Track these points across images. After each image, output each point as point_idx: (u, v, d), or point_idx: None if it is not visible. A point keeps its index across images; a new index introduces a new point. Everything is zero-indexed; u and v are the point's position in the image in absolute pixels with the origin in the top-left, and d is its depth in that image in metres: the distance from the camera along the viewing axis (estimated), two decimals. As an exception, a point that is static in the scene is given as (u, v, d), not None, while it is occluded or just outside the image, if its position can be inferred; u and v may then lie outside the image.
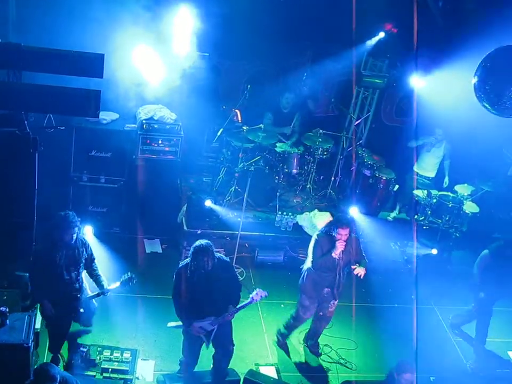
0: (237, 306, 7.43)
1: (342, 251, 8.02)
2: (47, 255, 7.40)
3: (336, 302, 8.52)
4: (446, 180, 12.29)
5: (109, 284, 7.80)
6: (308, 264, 8.34)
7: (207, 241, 7.22)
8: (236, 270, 7.86)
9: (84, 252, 7.65)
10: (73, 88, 7.03)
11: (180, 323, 7.61)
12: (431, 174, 12.33)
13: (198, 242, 7.17)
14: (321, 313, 8.61)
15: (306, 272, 8.41)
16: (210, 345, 7.68)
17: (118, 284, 7.73)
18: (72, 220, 7.33)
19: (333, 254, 7.99)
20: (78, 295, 7.71)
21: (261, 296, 7.50)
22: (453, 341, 9.76)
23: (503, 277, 9.01)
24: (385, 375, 7.44)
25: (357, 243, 8.38)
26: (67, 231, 7.33)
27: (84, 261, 7.66)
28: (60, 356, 8.03)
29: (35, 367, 6.62)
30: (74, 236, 7.41)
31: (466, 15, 10.77)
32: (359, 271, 8.24)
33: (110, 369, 7.78)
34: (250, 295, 7.50)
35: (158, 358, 8.39)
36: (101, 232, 9.40)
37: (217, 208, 10.30)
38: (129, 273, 7.74)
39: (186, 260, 7.38)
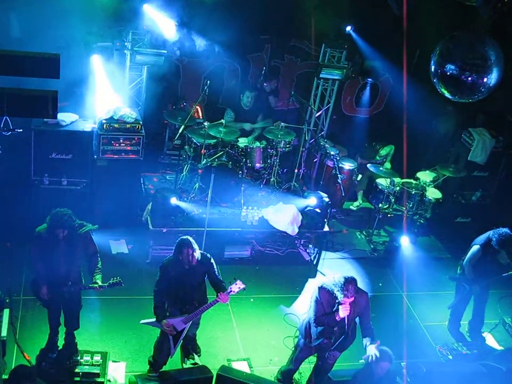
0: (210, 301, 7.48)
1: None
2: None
3: (336, 355, 7.74)
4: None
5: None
6: (309, 314, 7.54)
7: (188, 237, 7.42)
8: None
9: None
10: (29, 89, 6.86)
11: (152, 320, 7.57)
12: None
13: (180, 238, 7.40)
14: (319, 363, 7.93)
15: (307, 322, 7.62)
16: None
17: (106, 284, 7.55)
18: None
19: (337, 318, 7.18)
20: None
21: (239, 288, 7.41)
22: (422, 326, 9.88)
23: (492, 267, 9.24)
24: (360, 363, 7.52)
25: (366, 300, 7.43)
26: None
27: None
28: (28, 362, 7.90)
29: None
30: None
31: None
32: (371, 352, 7.11)
33: (80, 374, 7.70)
34: (229, 286, 7.43)
35: (128, 359, 8.31)
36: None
37: (183, 205, 10.22)
38: (118, 278, 7.61)
39: (171, 256, 7.48)
